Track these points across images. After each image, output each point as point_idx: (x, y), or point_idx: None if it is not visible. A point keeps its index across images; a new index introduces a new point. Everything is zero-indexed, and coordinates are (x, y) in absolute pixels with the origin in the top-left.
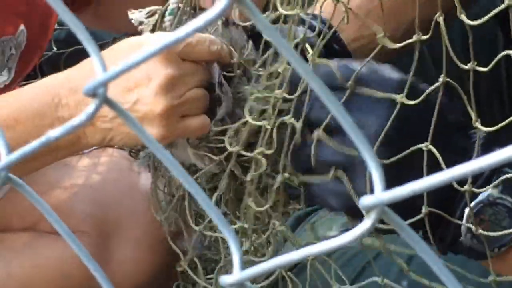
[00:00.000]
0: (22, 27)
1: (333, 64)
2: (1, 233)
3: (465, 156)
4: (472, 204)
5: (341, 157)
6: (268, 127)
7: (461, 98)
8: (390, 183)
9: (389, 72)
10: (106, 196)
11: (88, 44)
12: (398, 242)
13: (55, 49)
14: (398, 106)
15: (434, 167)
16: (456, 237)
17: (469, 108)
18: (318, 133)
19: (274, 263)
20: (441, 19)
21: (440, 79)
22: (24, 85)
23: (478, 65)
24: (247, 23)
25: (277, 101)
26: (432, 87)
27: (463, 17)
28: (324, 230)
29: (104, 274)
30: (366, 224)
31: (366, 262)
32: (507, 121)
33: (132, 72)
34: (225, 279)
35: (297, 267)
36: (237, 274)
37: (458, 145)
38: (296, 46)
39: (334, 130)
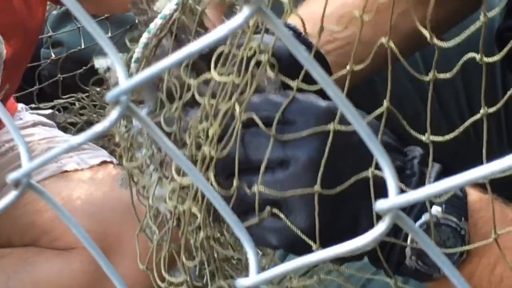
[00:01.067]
0: None
1: (256, 99)
2: (1, 248)
3: (403, 175)
4: (415, 225)
5: (274, 194)
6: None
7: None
8: (323, 211)
9: (314, 100)
10: (105, 212)
11: (111, 52)
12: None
13: (53, 56)
14: (331, 135)
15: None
16: (401, 260)
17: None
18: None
19: (291, 266)
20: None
21: (384, 104)
22: (22, 95)
23: (472, 83)
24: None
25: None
26: (376, 112)
27: (434, 40)
28: None
29: (119, 276)
30: (381, 227)
31: (365, 279)
32: (451, 134)
33: None
34: (241, 282)
35: None
36: (253, 277)
37: (394, 165)
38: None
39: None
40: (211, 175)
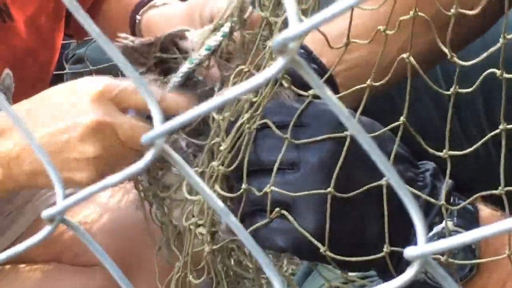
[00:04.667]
0: (6, 70)
1: (269, 104)
2: (24, 264)
3: (415, 186)
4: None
5: (284, 196)
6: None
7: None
8: (331, 214)
9: (327, 106)
10: (126, 229)
11: (147, 93)
12: None
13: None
14: (348, 140)
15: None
16: None
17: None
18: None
19: None
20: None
21: (402, 118)
22: None
23: (494, 104)
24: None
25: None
26: (392, 125)
27: (455, 59)
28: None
29: None
30: (409, 273)
31: None
32: (466, 151)
33: (62, 114)
34: None
35: None
36: None
37: (405, 176)
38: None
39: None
40: (217, 187)
